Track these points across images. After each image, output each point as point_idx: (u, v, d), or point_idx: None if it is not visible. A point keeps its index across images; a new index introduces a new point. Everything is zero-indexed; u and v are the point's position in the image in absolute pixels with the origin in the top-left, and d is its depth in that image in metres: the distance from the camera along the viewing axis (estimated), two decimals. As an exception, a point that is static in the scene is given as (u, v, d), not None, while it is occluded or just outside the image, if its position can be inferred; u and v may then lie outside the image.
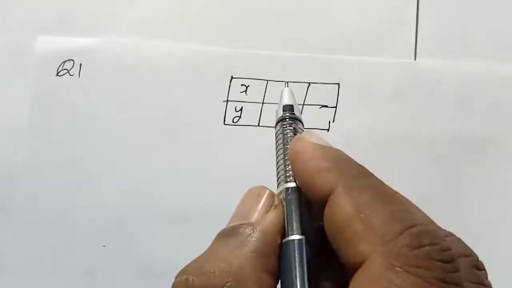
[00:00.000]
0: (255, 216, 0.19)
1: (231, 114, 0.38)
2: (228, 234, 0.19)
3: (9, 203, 0.37)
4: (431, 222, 0.18)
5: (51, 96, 0.38)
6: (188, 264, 0.18)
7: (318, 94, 0.37)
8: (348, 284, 0.16)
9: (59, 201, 0.37)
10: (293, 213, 0.19)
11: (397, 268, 0.15)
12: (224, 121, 0.38)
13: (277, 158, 0.22)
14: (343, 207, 0.17)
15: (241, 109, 0.38)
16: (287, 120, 0.22)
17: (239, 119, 0.38)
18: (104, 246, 0.37)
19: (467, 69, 0.38)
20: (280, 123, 0.22)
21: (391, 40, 0.38)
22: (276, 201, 0.20)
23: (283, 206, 0.20)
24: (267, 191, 0.21)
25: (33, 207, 0.37)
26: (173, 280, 0.18)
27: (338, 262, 0.17)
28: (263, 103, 0.38)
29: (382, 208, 0.16)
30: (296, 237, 0.18)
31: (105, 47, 0.39)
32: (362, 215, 0.16)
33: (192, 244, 0.35)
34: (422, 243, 0.15)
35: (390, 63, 0.38)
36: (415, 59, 0.38)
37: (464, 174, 0.36)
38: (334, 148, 0.20)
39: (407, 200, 0.18)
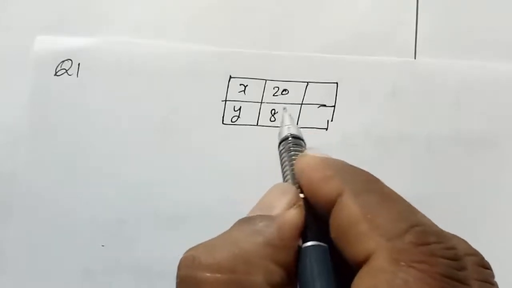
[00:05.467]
0: (276, 210, 0.20)
1: (229, 113, 0.38)
2: (245, 221, 0.19)
3: (8, 203, 0.37)
4: (435, 225, 0.18)
5: (50, 96, 0.38)
6: (198, 244, 0.19)
7: (316, 94, 0.37)
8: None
9: (58, 201, 0.37)
10: (312, 220, 0.20)
11: (402, 263, 0.15)
12: (223, 120, 0.38)
13: (283, 174, 0.23)
14: (350, 209, 0.17)
15: (239, 109, 0.38)
16: (290, 138, 0.23)
17: (237, 119, 0.37)
18: (103, 246, 0.37)
19: (467, 68, 0.38)
20: (283, 142, 0.24)
21: (390, 39, 0.38)
22: (301, 202, 0.20)
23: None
24: (294, 189, 0.21)
25: (33, 207, 0.37)
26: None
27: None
28: (261, 102, 0.38)
29: (388, 209, 0.17)
30: (320, 243, 0.19)
31: (103, 47, 0.39)
32: (368, 216, 0.17)
33: (190, 244, 0.34)
34: (427, 240, 0.16)
35: (389, 62, 0.38)
36: (414, 58, 0.38)
37: (463, 174, 0.36)
38: (335, 159, 0.21)
39: (412, 205, 0.18)
